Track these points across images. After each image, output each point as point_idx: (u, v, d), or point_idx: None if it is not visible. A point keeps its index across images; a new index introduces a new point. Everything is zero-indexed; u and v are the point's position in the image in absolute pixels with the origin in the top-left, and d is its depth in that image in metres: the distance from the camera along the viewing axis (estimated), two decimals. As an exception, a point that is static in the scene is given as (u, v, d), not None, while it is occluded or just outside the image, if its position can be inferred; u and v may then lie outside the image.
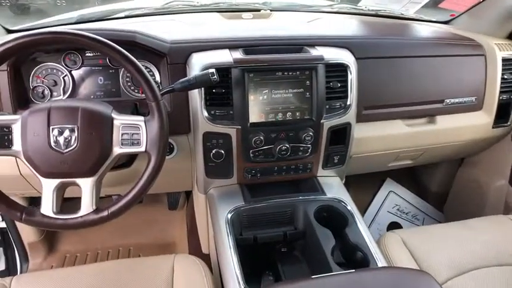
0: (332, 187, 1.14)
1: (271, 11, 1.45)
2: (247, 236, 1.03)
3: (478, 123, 1.31)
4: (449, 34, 1.38)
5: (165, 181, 1.28)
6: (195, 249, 1.44)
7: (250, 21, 1.36)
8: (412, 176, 1.86)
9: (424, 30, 1.42)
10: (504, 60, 1.27)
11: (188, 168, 1.17)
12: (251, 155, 1.05)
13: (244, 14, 1.40)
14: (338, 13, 1.55)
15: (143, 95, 1.00)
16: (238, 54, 1.02)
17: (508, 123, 1.33)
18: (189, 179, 1.23)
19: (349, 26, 1.40)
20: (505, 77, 1.27)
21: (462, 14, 1.44)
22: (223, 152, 1.04)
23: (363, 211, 1.76)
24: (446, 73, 1.25)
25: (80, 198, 0.82)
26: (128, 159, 1.08)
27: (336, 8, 1.58)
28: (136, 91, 1.08)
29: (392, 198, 1.79)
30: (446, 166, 1.68)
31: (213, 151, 1.04)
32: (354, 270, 0.80)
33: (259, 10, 1.44)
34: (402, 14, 1.57)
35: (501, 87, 1.28)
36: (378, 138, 1.23)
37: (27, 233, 1.53)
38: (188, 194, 1.71)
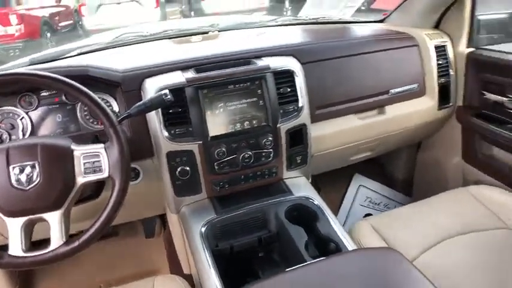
0: (299, 187, 1.19)
1: (219, 31, 1.52)
2: (224, 247, 1.05)
3: (423, 107, 1.41)
4: (385, 31, 1.49)
5: (138, 207, 1.29)
6: (177, 272, 1.44)
7: (200, 43, 1.42)
8: (378, 167, 1.94)
9: (361, 30, 1.53)
10: (436, 47, 1.38)
11: (158, 191, 1.19)
12: (216, 167, 1.09)
13: (193, 38, 1.45)
14: (282, 25, 1.64)
15: (102, 126, 1.02)
16: (190, 74, 1.07)
17: (450, 103, 1.44)
18: (161, 202, 1.24)
19: (293, 36, 1.49)
20: (440, 62, 1.39)
21: (393, 11, 1.56)
22: (188, 168, 1.07)
23: (336, 209, 1.81)
24: (387, 66, 1.35)
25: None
26: (95, 190, 1.09)
27: (279, 21, 1.67)
28: (95, 123, 1.09)
29: (363, 191, 1.86)
30: (407, 152, 1.77)
31: (179, 169, 1.07)
32: (324, 258, 0.84)
33: (207, 32, 1.50)
34: (341, 19, 1.68)
35: (438, 72, 1.39)
36: (335, 134, 1.30)
37: (1, 284, 1.48)
38: (164, 220, 1.71)
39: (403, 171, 1.82)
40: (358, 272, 0.79)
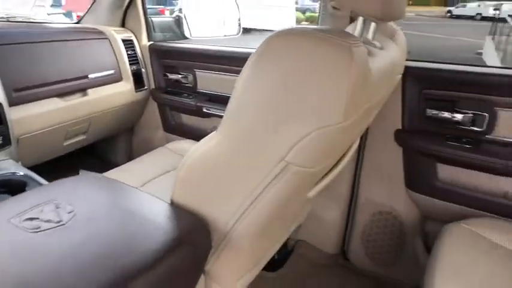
0: (6, 168, 1.17)
1: None
2: None
3: (123, 90, 1.68)
4: (79, 26, 1.68)
5: None
6: None
7: None
8: (101, 159, 2.09)
9: (55, 25, 1.66)
10: (123, 41, 1.69)
11: None
12: None
13: None
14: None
15: None
16: None
17: (145, 87, 1.78)
18: None
19: None
20: (129, 53, 1.70)
21: (86, 14, 1.77)
22: None
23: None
24: (82, 54, 1.53)
25: None
26: None
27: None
28: None
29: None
30: (124, 140, 2.00)
31: None
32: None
33: None
34: (35, 20, 1.74)
35: (129, 61, 1.70)
36: (38, 116, 1.35)
37: None
38: None
39: (122, 157, 2.04)
40: (65, 197, 0.89)
